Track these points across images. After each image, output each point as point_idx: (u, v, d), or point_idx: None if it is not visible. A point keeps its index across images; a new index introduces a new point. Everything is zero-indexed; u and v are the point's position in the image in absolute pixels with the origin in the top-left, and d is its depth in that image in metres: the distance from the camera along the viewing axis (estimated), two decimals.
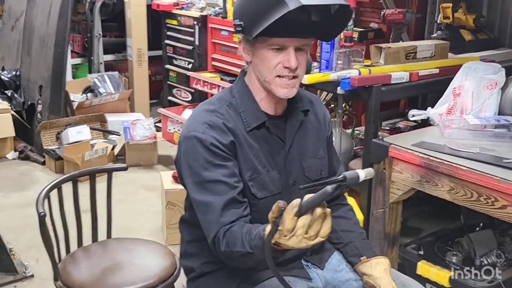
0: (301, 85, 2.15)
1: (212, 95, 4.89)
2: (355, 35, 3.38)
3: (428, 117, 2.71)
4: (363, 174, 1.43)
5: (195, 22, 5.18)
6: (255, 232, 1.55)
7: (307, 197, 1.43)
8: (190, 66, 5.37)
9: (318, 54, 3.03)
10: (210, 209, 1.68)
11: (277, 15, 1.57)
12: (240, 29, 1.71)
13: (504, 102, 2.62)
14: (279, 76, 1.72)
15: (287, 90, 1.74)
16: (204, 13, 5.11)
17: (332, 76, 2.82)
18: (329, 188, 1.41)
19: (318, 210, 1.42)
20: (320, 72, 2.91)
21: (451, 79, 2.73)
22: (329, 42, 2.84)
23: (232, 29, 4.63)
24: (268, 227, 1.46)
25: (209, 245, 1.69)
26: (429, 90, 3.15)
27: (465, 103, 2.62)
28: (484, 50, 3.47)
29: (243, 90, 1.82)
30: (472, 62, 2.75)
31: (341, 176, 1.42)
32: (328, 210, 1.45)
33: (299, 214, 1.41)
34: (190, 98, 5.48)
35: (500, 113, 2.61)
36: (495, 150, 2.29)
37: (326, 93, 3.57)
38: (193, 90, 5.26)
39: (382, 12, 3.55)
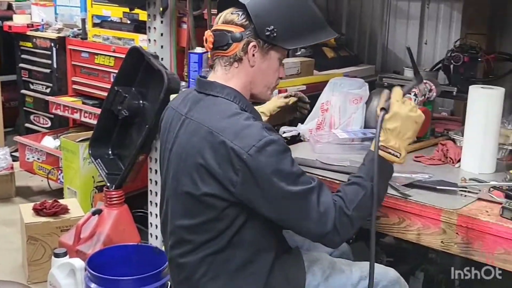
0: None
1: (74, 120, 4.65)
2: None
3: (299, 133, 2.72)
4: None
5: (52, 44, 4.91)
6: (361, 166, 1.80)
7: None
8: (48, 90, 5.07)
9: (186, 74, 2.97)
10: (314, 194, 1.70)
11: (322, 38, 1.89)
12: (274, 35, 1.75)
13: (368, 115, 2.69)
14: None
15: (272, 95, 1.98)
16: (61, 35, 4.88)
17: None
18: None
19: None
20: None
21: (318, 95, 2.77)
22: (197, 61, 2.82)
23: (92, 51, 4.50)
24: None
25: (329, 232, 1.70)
26: None
27: (333, 117, 2.66)
28: (346, 66, 3.60)
29: (241, 96, 1.82)
30: (338, 78, 2.81)
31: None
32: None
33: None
34: (49, 124, 5.17)
35: (365, 126, 2.67)
36: None
37: None
38: (53, 116, 4.98)
39: None
